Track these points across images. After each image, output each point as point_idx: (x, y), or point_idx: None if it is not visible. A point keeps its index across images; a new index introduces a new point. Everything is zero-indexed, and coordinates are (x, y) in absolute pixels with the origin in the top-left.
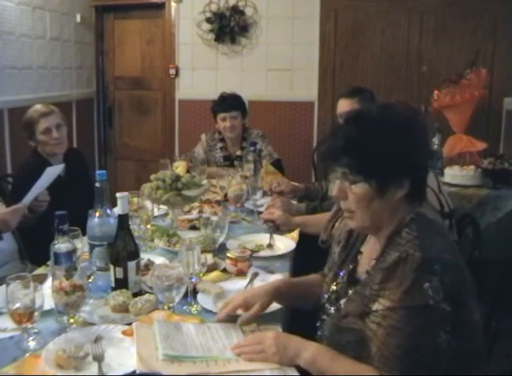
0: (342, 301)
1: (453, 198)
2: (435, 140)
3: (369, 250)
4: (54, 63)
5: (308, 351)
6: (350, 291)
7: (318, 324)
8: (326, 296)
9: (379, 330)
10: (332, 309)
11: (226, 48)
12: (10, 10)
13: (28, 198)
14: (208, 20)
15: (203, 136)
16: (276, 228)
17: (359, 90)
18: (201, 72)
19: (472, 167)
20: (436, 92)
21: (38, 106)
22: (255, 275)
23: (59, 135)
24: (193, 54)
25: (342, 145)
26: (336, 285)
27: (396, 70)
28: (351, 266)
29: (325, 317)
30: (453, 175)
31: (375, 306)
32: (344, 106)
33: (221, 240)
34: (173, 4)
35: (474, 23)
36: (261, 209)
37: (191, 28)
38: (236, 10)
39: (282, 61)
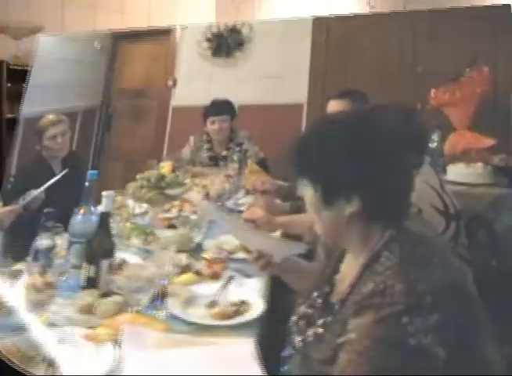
0: (310, 333)
1: (459, 198)
2: (435, 137)
3: (349, 268)
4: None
5: None
6: (320, 321)
7: (284, 353)
8: (295, 318)
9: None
10: (299, 338)
11: (222, 61)
12: None
13: (25, 200)
14: (208, 40)
15: (191, 138)
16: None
17: (349, 92)
18: (196, 82)
19: (480, 164)
20: (433, 90)
21: (50, 116)
22: (230, 278)
23: (62, 140)
24: (190, 66)
25: (302, 141)
26: (307, 307)
27: (390, 72)
28: (327, 289)
29: (292, 351)
30: (458, 172)
31: (341, 340)
32: (334, 106)
33: (197, 239)
34: (178, 29)
35: (474, 23)
36: (242, 208)
37: (191, 47)
38: (234, 30)
39: (273, 68)
